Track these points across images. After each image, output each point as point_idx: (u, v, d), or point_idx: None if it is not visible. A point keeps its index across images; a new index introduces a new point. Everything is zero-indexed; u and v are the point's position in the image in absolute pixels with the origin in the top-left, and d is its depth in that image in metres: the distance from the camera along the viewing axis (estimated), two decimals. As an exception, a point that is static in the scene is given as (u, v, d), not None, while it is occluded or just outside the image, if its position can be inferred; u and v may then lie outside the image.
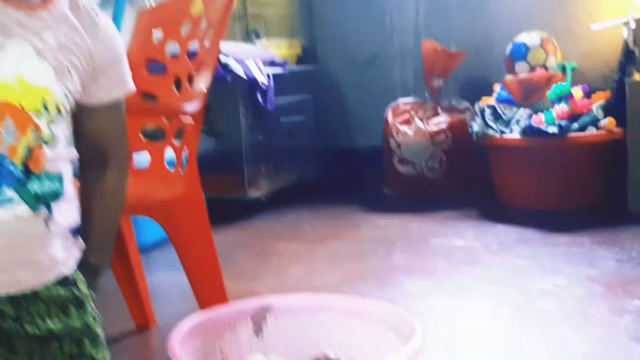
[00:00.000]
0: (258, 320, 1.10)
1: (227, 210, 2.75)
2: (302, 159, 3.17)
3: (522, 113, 2.64)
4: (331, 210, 2.88)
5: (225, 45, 2.73)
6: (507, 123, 2.65)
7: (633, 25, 2.53)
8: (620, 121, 2.53)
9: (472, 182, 2.91)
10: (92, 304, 1.00)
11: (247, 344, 1.08)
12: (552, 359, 1.36)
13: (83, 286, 0.98)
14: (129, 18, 2.54)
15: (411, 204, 2.85)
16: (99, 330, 1.00)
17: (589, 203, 2.60)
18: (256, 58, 2.80)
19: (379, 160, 3.08)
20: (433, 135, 2.85)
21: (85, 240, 1.01)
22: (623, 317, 1.56)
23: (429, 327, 1.55)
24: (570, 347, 1.43)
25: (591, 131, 2.53)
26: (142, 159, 1.47)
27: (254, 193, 2.82)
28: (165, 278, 2.04)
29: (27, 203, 0.82)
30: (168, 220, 1.33)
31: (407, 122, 2.91)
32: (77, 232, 0.99)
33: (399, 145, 2.90)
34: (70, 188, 0.90)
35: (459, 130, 2.85)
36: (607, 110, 2.60)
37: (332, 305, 1.11)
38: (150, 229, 2.39)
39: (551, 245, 2.19)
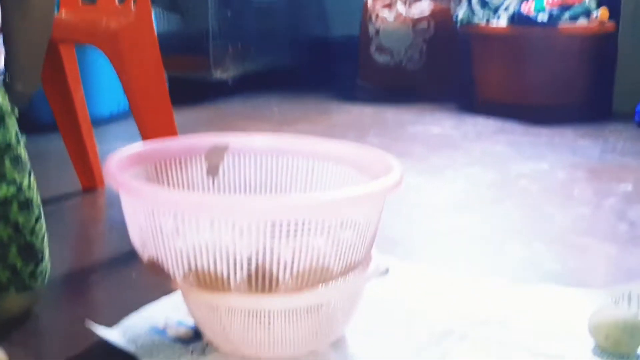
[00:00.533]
0: (213, 160, 0.96)
1: (191, 91, 2.58)
2: (274, 44, 2.97)
3: (511, 0, 2.47)
4: (302, 98, 2.72)
5: None
6: (495, 10, 2.48)
7: None
8: (613, 15, 2.39)
9: (453, 76, 2.76)
10: (16, 125, 0.85)
11: (200, 185, 0.94)
12: (534, 235, 1.25)
13: (4, 101, 0.83)
14: None
15: (387, 96, 2.70)
16: (24, 154, 0.85)
17: (573, 100, 2.47)
18: None
19: (355, 52, 2.90)
20: (415, 22, 2.67)
21: (9, 64, 0.88)
22: (608, 199, 1.47)
23: (404, 203, 1.45)
24: (553, 223, 1.33)
25: (582, 22, 2.38)
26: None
27: (220, 74, 2.64)
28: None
29: None
30: (115, 51, 1.16)
31: (388, 6, 2.72)
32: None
33: (377, 32, 2.72)
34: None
35: (442, 18, 2.68)
36: (600, 3, 2.45)
37: (299, 147, 0.98)
38: (105, 102, 2.23)
39: (532, 135, 2.08)
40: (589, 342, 0.83)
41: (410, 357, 0.80)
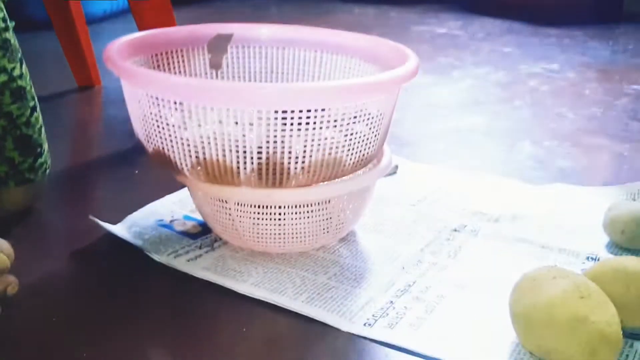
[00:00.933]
0: (216, 51, 0.91)
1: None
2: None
3: None
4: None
5: None
6: None
7: None
8: None
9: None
10: (4, 10, 0.80)
11: (203, 77, 0.90)
12: (545, 134, 1.22)
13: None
14: None
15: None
16: (13, 40, 0.80)
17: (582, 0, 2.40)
18: None
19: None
20: None
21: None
22: (620, 99, 1.43)
23: (412, 103, 1.41)
24: (564, 122, 1.29)
25: None
26: None
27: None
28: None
29: None
30: None
31: None
32: None
33: None
34: None
35: None
36: None
37: (307, 38, 0.93)
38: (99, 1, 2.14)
39: (541, 36, 2.02)
40: (604, 238, 0.82)
41: (424, 252, 0.79)
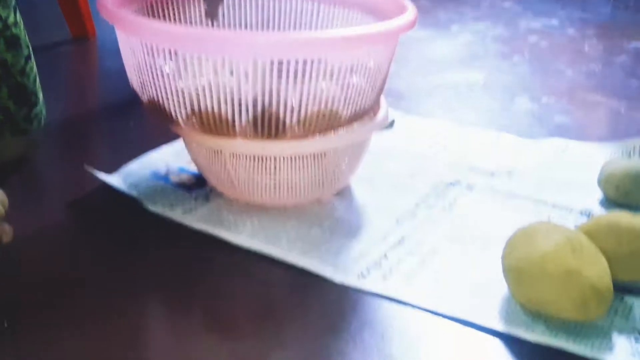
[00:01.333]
0: (213, 1, 0.90)
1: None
2: None
3: None
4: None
5: None
6: None
7: None
8: None
9: None
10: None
11: (198, 26, 0.89)
12: (543, 90, 1.22)
13: None
14: None
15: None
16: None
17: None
18: None
19: None
20: None
21: None
22: (619, 56, 1.42)
23: (410, 57, 1.39)
24: (563, 79, 1.29)
25: None
26: None
27: None
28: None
29: None
30: None
31: None
32: None
33: None
34: None
35: None
36: None
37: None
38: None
39: (542, -9, 1.99)
40: (598, 194, 0.82)
41: (418, 206, 0.79)
